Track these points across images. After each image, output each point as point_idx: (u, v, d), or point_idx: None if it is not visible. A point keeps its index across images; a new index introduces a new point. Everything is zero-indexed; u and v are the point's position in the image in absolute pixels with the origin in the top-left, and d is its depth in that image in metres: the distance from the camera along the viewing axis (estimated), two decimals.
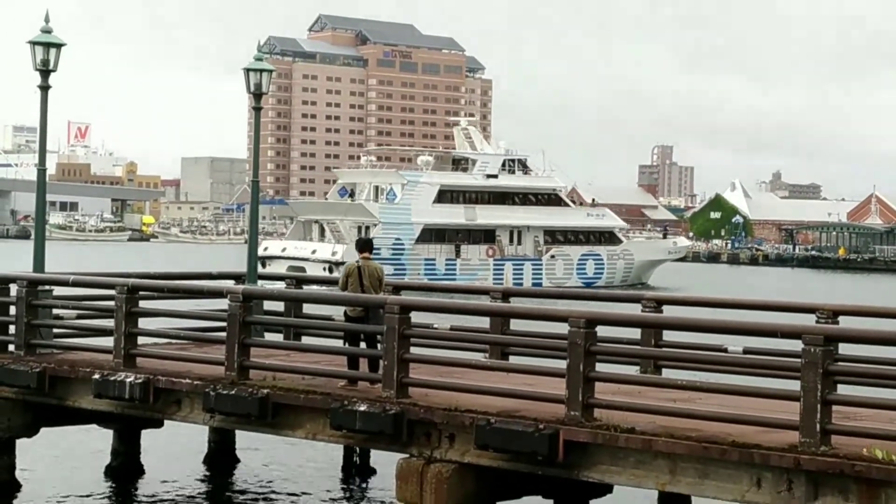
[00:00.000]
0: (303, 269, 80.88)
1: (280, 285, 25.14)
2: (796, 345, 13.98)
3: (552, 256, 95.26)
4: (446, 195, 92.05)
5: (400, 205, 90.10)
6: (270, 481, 22.16)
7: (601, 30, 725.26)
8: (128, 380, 18.74)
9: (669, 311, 19.72)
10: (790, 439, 13.73)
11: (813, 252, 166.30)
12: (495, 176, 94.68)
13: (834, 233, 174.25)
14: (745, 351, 17.13)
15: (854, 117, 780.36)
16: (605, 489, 17.13)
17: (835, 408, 13.81)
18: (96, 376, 19.13)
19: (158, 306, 21.47)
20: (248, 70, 24.39)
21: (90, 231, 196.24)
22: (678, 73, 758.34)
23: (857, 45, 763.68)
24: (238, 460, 23.05)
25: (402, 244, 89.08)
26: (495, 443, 15.27)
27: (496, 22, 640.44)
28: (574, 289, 79.36)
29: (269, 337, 21.97)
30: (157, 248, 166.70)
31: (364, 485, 21.96)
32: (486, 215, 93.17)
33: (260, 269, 72.62)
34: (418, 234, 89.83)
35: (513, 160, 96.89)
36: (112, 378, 18.94)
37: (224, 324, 18.63)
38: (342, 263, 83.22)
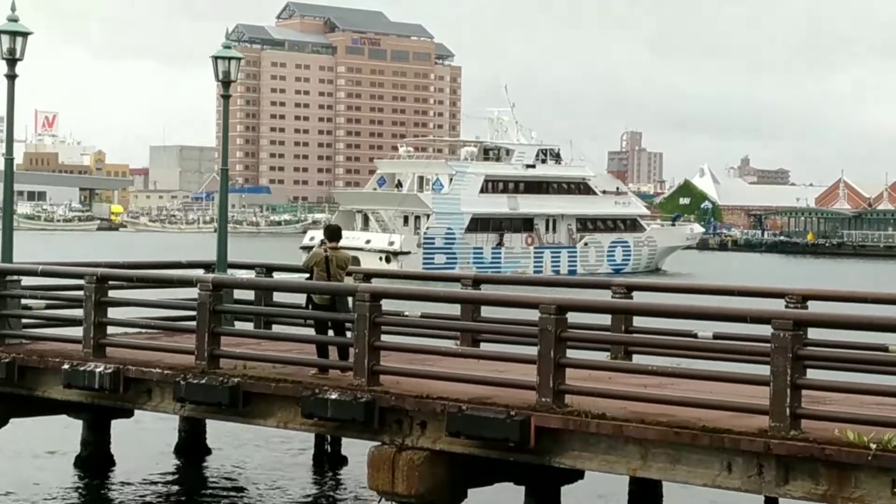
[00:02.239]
0: (356, 259, 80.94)
1: (250, 274, 25.08)
2: (766, 329, 14.04)
3: (585, 244, 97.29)
4: (488, 185, 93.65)
5: (450, 195, 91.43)
6: (241, 470, 22.12)
7: (569, 15, 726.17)
8: (97, 369, 18.67)
9: (639, 298, 19.76)
10: (760, 424, 13.78)
11: (781, 237, 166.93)
12: (533, 166, 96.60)
13: (802, 218, 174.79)
14: (715, 336, 17.18)
15: (822, 103, 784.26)
16: (577, 475, 17.18)
17: (804, 392, 13.87)
18: (66, 366, 19.04)
19: (128, 296, 21.37)
20: (216, 58, 24.29)
21: (58, 221, 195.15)
22: (647, 58, 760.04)
23: (826, 31, 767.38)
24: (209, 450, 22.99)
25: (454, 233, 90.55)
26: (467, 430, 15.28)
27: (464, 7, 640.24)
28: (545, 276, 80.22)
29: (240, 326, 21.93)
30: (126, 237, 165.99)
31: (336, 473, 21.95)
32: (526, 204, 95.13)
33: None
34: (467, 223, 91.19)
35: (545, 150, 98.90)
36: (82, 368, 18.86)
37: (194, 313, 18.57)
38: (401, 253, 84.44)
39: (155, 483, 21.03)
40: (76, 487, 20.82)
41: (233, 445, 23.69)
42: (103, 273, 19.82)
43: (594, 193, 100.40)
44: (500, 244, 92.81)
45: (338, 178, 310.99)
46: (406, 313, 19.84)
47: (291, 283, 22.15)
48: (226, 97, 25.25)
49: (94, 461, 21.71)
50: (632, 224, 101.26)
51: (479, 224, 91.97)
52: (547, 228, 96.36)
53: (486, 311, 20.74)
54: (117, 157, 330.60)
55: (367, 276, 22.99)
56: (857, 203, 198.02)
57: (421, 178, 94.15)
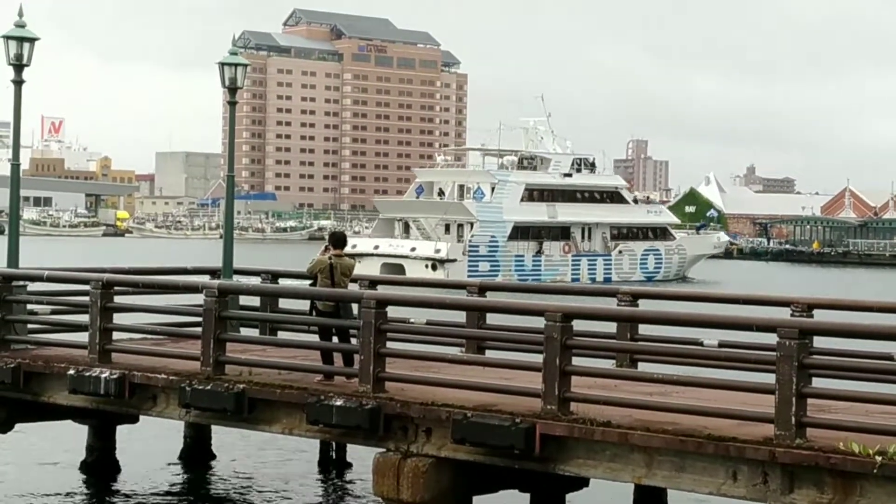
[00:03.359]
0: (400, 267, 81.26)
1: (256, 280, 25.11)
2: (771, 338, 14.03)
3: (620, 252, 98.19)
4: (527, 193, 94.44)
5: (493, 203, 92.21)
6: (247, 476, 22.12)
7: (574, 22, 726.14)
8: (103, 375, 18.68)
9: (645, 306, 19.76)
10: (766, 432, 13.77)
11: (787, 246, 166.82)
12: (570, 175, 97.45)
13: (808, 226, 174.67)
14: (721, 344, 17.16)
15: (828, 112, 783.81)
16: (582, 482, 17.17)
17: (810, 401, 13.86)
18: (71, 372, 19.06)
19: (134, 301, 21.38)
20: (222, 64, 24.32)
21: (64, 226, 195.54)
22: (652, 66, 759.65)
23: (831, 39, 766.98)
24: (214, 456, 22.99)
25: (497, 241, 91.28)
26: (472, 437, 15.28)
27: (470, 15, 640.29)
28: (551, 283, 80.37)
29: (245, 332, 21.94)
30: (132, 243, 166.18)
31: (341, 479, 21.94)
32: (564, 213, 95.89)
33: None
34: (509, 231, 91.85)
35: (580, 159, 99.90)
36: (87, 373, 18.87)
37: (200, 319, 18.58)
38: (448, 260, 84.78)
39: (160, 489, 21.03)
40: (81, 493, 20.82)
41: (238, 452, 23.69)
42: (109, 279, 19.84)
43: (627, 202, 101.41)
44: (539, 252, 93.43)
45: (343, 185, 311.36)
46: (412, 320, 19.84)
47: (297, 289, 22.15)
48: (232, 104, 25.30)
49: (100, 467, 21.71)
50: (662, 232, 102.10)
51: (520, 232, 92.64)
52: (582, 237, 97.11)
53: (491, 319, 20.73)
54: (123, 163, 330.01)
55: (373, 282, 22.98)
56: (863, 212, 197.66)
57: (461, 186, 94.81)
